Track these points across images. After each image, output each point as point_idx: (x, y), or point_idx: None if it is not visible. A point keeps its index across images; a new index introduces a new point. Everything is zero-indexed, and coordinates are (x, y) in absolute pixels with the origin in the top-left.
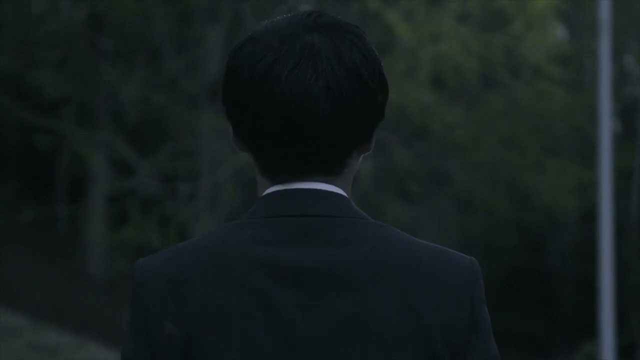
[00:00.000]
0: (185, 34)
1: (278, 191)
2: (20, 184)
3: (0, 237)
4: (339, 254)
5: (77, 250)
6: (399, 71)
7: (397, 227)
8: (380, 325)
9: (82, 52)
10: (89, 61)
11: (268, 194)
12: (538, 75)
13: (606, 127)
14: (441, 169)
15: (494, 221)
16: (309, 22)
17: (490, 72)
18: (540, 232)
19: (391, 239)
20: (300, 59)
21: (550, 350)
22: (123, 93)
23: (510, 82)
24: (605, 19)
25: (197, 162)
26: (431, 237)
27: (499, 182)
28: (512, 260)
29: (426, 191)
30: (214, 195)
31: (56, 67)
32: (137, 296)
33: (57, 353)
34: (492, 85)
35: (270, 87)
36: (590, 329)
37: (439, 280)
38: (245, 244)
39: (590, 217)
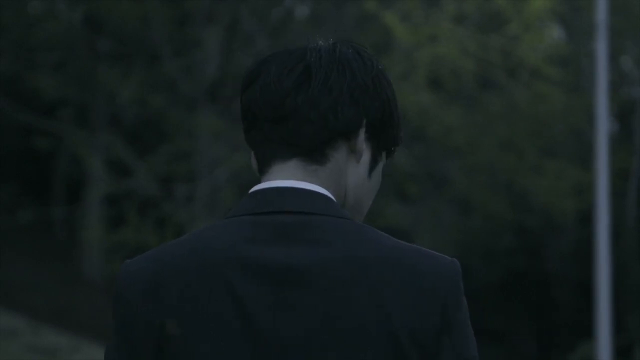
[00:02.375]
0: (183, 36)
1: (258, 189)
2: (17, 187)
3: None
4: (313, 253)
5: (74, 252)
6: (396, 73)
7: (395, 229)
8: (349, 325)
9: (80, 54)
10: (87, 63)
11: (250, 192)
12: (535, 77)
13: (603, 128)
14: (440, 171)
15: (492, 223)
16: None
17: (488, 74)
18: (539, 234)
19: (367, 238)
20: (291, 53)
21: (548, 351)
22: (121, 95)
23: (507, 84)
24: (602, 21)
25: (195, 164)
26: (429, 239)
27: (497, 184)
28: (510, 262)
29: (424, 193)
30: (212, 197)
31: (54, 69)
32: (118, 295)
33: (54, 354)
34: (490, 87)
35: (261, 79)
36: (587, 330)
37: (412, 280)
38: (222, 243)
39: (587, 219)
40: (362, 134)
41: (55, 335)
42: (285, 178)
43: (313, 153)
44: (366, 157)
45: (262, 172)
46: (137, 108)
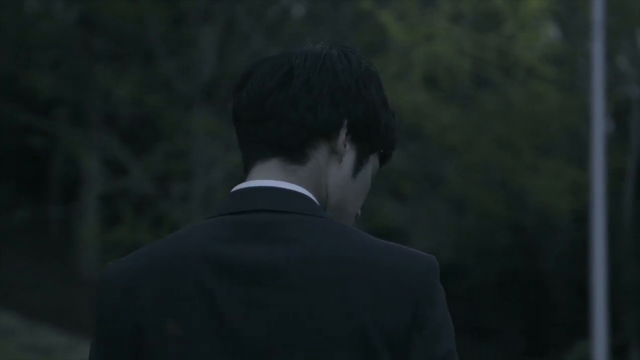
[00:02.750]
0: (179, 35)
1: (237, 190)
2: (14, 186)
3: None
4: (285, 251)
5: (71, 251)
6: (392, 72)
7: (391, 228)
8: (318, 324)
9: (76, 54)
10: (83, 62)
11: (230, 193)
12: (531, 76)
13: (599, 128)
14: (435, 169)
15: (488, 222)
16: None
17: (484, 73)
18: (534, 234)
19: (342, 237)
20: (280, 56)
21: (543, 350)
22: (117, 94)
23: (503, 83)
24: (598, 20)
25: (191, 164)
26: (425, 237)
27: (493, 183)
28: (505, 261)
29: (420, 192)
30: (207, 196)
31: (50, 69)
32: (98, 297)
33: (51, 354)
34: (486, 86)
35: (248, 83)
36: (583, 330)
37: (383, 278)
38: (197, 242)
39: (583, 218)
40: (342, 135)
41: (52, 334)
42: (264, 177)
43: (293, 153)
44: (350, 158)
45: (246, 171)
46: (133, 107)
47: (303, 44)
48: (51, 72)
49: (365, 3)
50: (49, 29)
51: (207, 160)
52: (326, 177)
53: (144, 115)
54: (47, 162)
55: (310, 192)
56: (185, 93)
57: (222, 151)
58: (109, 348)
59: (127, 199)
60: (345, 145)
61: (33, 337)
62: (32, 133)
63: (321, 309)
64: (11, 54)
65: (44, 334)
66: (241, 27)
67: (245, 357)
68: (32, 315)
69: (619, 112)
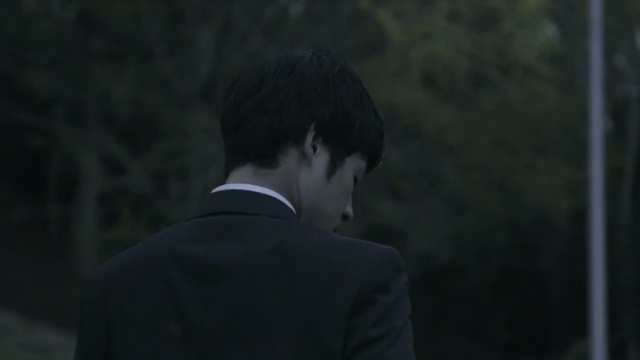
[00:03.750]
0: (177, 34)
1: (213, 193)
2: (12, 185)
3: None
4: (239, 249)
5: (68, 250)
6: (390, 71)
7: (389, 227)
8: (267, 316)
9: (73, 53)
10: (80, 61)
11: (208, 196)
12: (529, 75)
13: (597, 126)
14: (433, 169)
15: (486, 222)
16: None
17: (482, 72)
18: (532, 233)
19: (297, 235)
20: (261, 65)
21: (542, 349)
22: (115, 93)
23: (501, 82)
24: (596, 18)
25: (189, 162)
26: (422, 237)
27: (491, 182)
28: (503, 261)
29: (418, 191)
30: (205, 195)
31: (48, 68)
32: (80, 296)
33: (48, 353)
34: (484, 85)
35: (231, 90)
36: (581, 329)
37: (332, 269)
38: (166, 244)
39: (581, 217)
40: (309, 138)
41: (49, 333)
42: (238, 182)
43: (264, 158)
44: (323, 160)
45: (225, 176)
46: (131, 107)
47: (301, 43)
48: (49, 71)
49: (363, 2)
50: (47, 28)
51: (205, 159)
52: (297, 181)
53: (142, 114)
54: (45, 162)
55: (282, 195)
56: (184, 92)
57: (220, 150)
58: (85, 345)
59: (126, 198)
60: (315, 148)
61: (31, 336)
62: (30, 132)
63: (270, 303)
64: (9, 53)
65: (42, 333)
66: (239, 27)
67: (201, 352)
68: (30, 314)
69: (617, 111)
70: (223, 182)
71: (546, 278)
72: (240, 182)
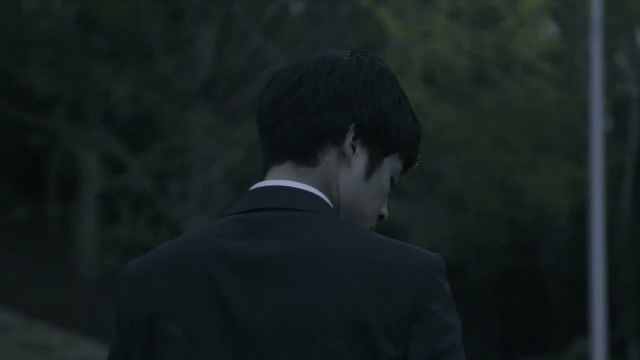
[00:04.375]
0: (177, 33)
1: (250, 190)
2: (12, 184)
3: None
4: (288, 246)
5: (68, 248)
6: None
7: (389, 226)
8: (316, 315)
9: (73, 52)
10: (80, 60)
11: (246, 192)
12: (529, 74)
13: (597, 125)
14: (433, 168)
15: (486, 221)
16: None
17: (482, 70)
18: (532, 231)
19: (345, 233)
20: (296, 65)
21: (542, 349)
22: (115, 92)
23: (501, 80)
24: (597, 18)
25: (189, 161)
26: (423, 236)
27: (491, 181)
28: (504, 260)
29: (418, 190)
30: (206, 194)
31: (48, 67)
32: (116, 290)
33: (48, 351)
34: (484, 83)
35: (266, 94)
36: (581, 328)
37: (384, 273)
38: (210, 238)
39: (581, 216)
40: (349, 138)
41: (49, 331)
42: (277, 179)
43: (303, 156)
44: (361, 161)
45: (263, 173)
46: (131, 105)
47: (302, 42)
48: (49, 70)
49: (363, 1)
50: (47, 28)
51: (205, 158)
52: (337, 180)
53: (142, 113)
54: (45, 161)
55: (322, 193)
56: (184, 91)
57: (220, 149)
58: (125, 339)
59: (126, 197)
60: (354, 149)
61: (30, 334)
62: (30, 131)
63: (320, 302)
64: (9, 52)
65: (41, 331)
66: (239, 25)
67: (246, 347)
68: (29, 312)
69: (617, 110)
70: (223, 182)
71: (546, 277)
72: (281, 179)
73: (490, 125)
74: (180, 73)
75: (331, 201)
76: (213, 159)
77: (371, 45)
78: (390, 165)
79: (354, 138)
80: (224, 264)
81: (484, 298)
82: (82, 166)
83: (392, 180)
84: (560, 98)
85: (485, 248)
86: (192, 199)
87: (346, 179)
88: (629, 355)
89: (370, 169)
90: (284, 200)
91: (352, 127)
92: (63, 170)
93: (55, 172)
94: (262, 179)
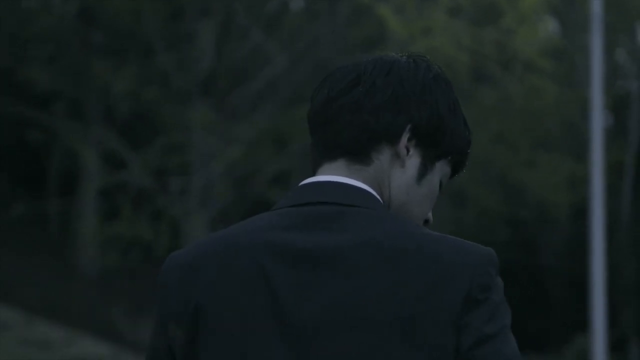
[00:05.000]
0: (177, 30)
1: (302, 184)
2: (11, 180)
3: None
4: (341, 240)
5: (68, 245)
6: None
7: None
8: (368, 308)
9: (73, 48)
10: (80, 57)
11: (296, 187)
12: (529, 70)
13: (598, 122)
14: None
15: (486, 217)
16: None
17: (482, 67)
18: (532, 228)
19: (397, 227)
20: (353, 63)
21: (542, 346)
22: (114, 88)
23: (502, 77)
24: (596, 14)
25: (189, 157)
26: None
27: (491, 178)
28: (503, 256)
29: None
30: (206, 190)
31: (48, 63)
32: (159, 281)
33: (48, 348)
34: (484, 80)
35: (320, 92)
36: (581, 324)
37: (437, 268)
38: (259, 231)
39: (582, 213)
40: (404, 139)
41: (49, 328)
42: (328, 174)
43: (357, 154)
44: (414, 163)
45: (313, 171)
46: (130, 102)
47: (302, 38)
48: (49, 66)
49: None
50: (47, 24)
51: (205, 154)
52: (389, 180)
53: (142, 110)
54: (46, 157)
55: (374, 191)
56: (184, 88)
57: (220, 145)
58: (168, 329)
59: (126, 194)
60: (408, 150)
61: (30, 331)
62: (30, 127)
63: (371, 296)
64: (9, 48)
65: (41, 328)
66: (239, 22)
67: (296, 338)
68: (29, 309)
69: (617, 107)
70: (223, 179)
71: (546, 275)
72: (333, 175)
73: (491, 123)
74: (180, 70)
75: (382, 199)
76: (213, 155)
77: (371, 42)
78: (440, 169)
79: (409, 139)
80: (274, 256)
81: None
82: (82, 162)
83: (440, 183)
84: (560, 95)
85: (485, 244)
86: (192, 195)
87: (399, 179)
88: (628, 352)
89: (423, 172)
90: (335, 195)
91: (408, 128)
92: (63, 167)
93: (55, 169)
94: (312, 175)
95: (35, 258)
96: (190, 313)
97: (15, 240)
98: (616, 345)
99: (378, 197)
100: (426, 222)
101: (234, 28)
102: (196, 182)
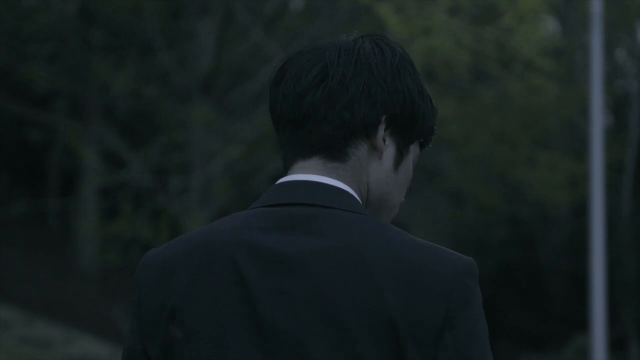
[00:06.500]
0: (177, 28)
1: (279, 183)
2: (11, 178)
3: None
4: (317, 243)
5: (68, 243)
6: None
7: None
8: (345, 315)
9: (73, 46)
10: (80, 55)
11: (272, 186)
12: (529, 69)
13: (598, 120)
14: (433, 163)
15: (486, 215)
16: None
17: (482, 66)
18: (532, 227)
19: (375, 232)
20: (314, 52)
21: (542, 344)
22: (114, 86)
23: (501, 76)
24: (596, 13)
25: (189, 156)
26: (423, 231)
27: (491, 176)
28: (503, 255)
29: (418, 185)
30: (206, 189)
31: (47, 61)
32: (135, 280)
33: (48, 347)
34: (484, 79)
35: (283, 80)
36: (581, 323)
37: (416, 276)
38: (234, 231)
39: (581, 211)
40: (381, 131)
41: (48, 327)
42: (304, 172)
43: (333, 152)
44: (391, 151)
45: (286, 169)
46: (130, 100)
47: (302, 36)
48: (49, 64)
49: None
50: (46, 22)
51: (205, 152)
52: (367, 174)
53: (142, 108)
54: (45, 156)
55: (351, 189)
56: (183, 86)
57: (220, 144)
58: (145, 329)
59: (125, 192)
60: (384, 141)
61: (30, 329)
62: (29, 126)
63: (348, 302)
64: (9, 46)
65: (41, 326)
66: (240, 20)
67: (272, 344)
68: (29, 307)
69: (617, 105)
70: (223, 177)
71: (546, 272)
72: (310, 174)
73: (490, 121)
74: (180, 68)
75: (360, 195)
76: (213, 154)
77: None
78: (413, 152)
79: (385, 130)
80: (250, 257)
81: (483, 293)
82: (82, 161)
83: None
84: (560, 93)
85: (484, 243)
86: (192, 194)
87: (377, 171)
88: (629, 350)
89: (399, 159)
90: (313, 196)
91: (383, 119)
92: (63, 165)
93: (55, 167)
94: (284, 174)
95: (35, 256)
96: (166, 316)
97: (15, 239)
98: (616, 343)
99: (356, 195)
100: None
101: (234, 26)
102: (196, 181)
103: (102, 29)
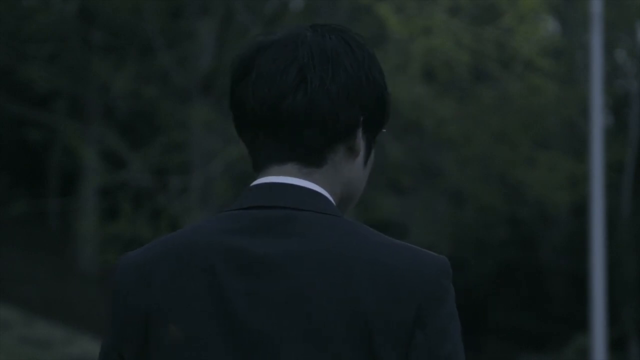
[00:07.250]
0: (177, 28)
1: (255, 185)
2: (11, 179)
3: None
4: (292, 246)
5: (68, 243)
6: (390, 65)
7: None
8: (320, 317)
9: (73, 46)
10: (80, 55)
11: (247, 188)
12: (529, 69)
13: (598, 121)
14: (433, 163)
15: (486, 215)
16: (309, 26)
17: (482, 66)
18: (532, 227)
19: (351, 235)
20: (282, 48)
21: (542, 344)
22: (114, 86)
23: (501, 76)
24: (596, 13)
25: (189, 156)
26: (423, 231)
27: (491, 176)
28: (503, 255)
29: (418, 185)
30: (206, 189)
31: (47, 61)
32: (113, 285)
33: (48, 347)
34: (484, 79)
35: (253, 75)
36: (581, 323)
37: (391, 276)
38: (211, 234)
39: (581, 211)
40: (359, 133)
41: (48, 327)
42: (279, 174)
43: (311, 157)
44: (363, 150)
45: (257, 169)
46: (130, 100)
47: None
48: (49, 65)
49: None
50: (46, 22)
51: (206, 152)
52: (342, 175)
53: (142, 107)
54: (45, 156)
55: (326, 191)
56: (183, 86)
57: (220, 143)
58: (121, 332)
59: (125, 192)
60: (361, 142)
61: (30, 329)
62: (29, 126)
63: (324, 304)
64: (9, 46)
65: (41, 326)
66: (240, 20)
67: (247, 349)
68: (29, 308)
69: (617, 105)
70: (223, 177)
71: (546, 272)
72: (285, 176)
73: (490, 121)
74: (180, 68)
75: (334, 196)
76: (213, 154)
77: (371, 41)
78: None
79: (362, 129)
80: (226, 260)
81: (483, 293)
82: (82, 161)
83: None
84: (560, 93)
85: (484, 243)
86: (192, 194)
87: (351, 171)
88: (629, 350)
89: (368, 154)
90: (288, 199)
91: (361, 120)
92: (63, 165)
93: (55, 167)
94: (257, 177)
95: (35, 256)
96: (140, 321)
97: (15, 239)
98: (616, 343)
99: (329, 197)
100: None
101: (234, 26)
102: (196, 181)
103: (102, 29)
